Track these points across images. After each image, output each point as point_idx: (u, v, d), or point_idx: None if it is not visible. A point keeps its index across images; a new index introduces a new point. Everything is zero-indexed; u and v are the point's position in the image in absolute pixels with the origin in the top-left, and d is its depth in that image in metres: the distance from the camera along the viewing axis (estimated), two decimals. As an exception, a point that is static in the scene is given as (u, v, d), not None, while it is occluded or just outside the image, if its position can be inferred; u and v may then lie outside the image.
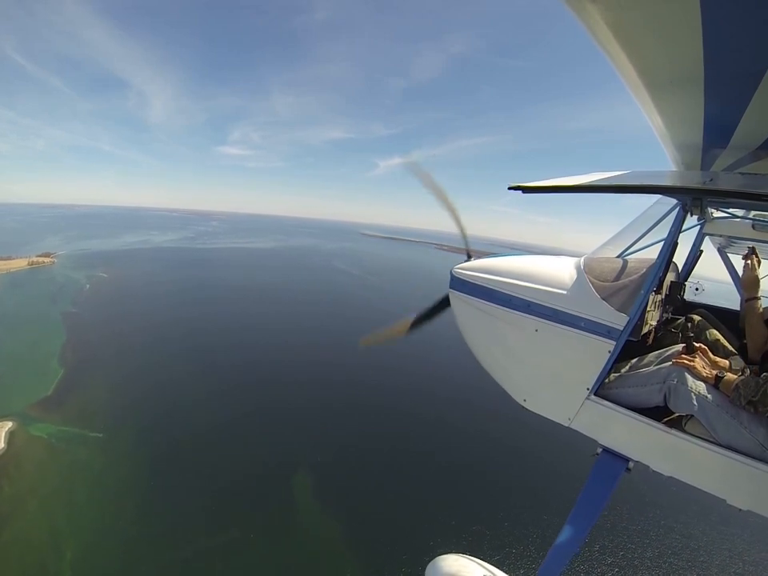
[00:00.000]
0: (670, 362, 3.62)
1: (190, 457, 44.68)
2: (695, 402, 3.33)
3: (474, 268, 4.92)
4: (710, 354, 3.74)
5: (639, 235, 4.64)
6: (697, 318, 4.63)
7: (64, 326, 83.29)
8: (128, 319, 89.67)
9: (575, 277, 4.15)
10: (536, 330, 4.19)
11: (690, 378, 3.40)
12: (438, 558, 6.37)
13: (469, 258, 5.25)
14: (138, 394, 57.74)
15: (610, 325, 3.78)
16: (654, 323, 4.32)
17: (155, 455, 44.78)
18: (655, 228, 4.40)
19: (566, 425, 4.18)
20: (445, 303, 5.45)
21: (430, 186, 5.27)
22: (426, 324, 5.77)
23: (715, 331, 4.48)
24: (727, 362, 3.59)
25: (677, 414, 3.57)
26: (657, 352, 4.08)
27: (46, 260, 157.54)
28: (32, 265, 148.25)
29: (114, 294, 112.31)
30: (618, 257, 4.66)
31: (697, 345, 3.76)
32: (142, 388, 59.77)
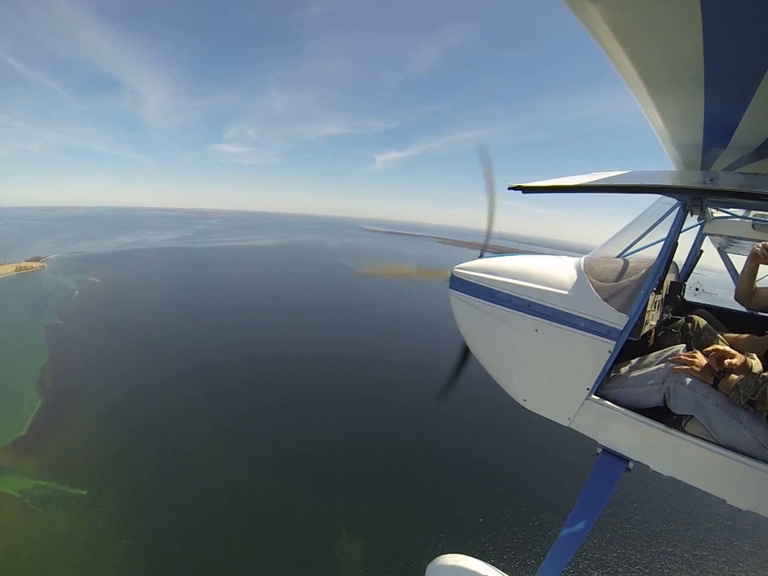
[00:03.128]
0: (670, 363, 3.62)
1: (194, 517, 36.16)
2: (694, 402, 3.34)
3: (474, 268, 4.93)
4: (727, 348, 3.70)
5: (639, 235, 4.65)
6: (697, 318, 4.62)
7: (46, 342, 74.03)
8: (118, 331, 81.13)
9: (575, 277, 4.17)
10: (536, 330, 4.21)
11: (689, 378, 3.40)
12: (438, 558, 6.38)
13: (481, 256, 5.26)
14: (127, 430, 48.72)
15: (609, 325, 3.78)
16: (654, 323, 4.33)
17: (151, 519, 35.88)
18: (655, 228, 4.42)
19: (566, 425, 4.19)
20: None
21: (488, 176, 5.18)
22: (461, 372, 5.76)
23: (716, 331, 4.48)
24: (743, 357, 3.38)
25: (677, 414, 3.57)
26: (657, 352, 4.09)
27: (35, 265, 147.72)
28: (20, 270, 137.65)
29: (104, 301, 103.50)
30: (617, 257, 4.67)
31: (713, 348, 3.67)
32: (133, 421, 50.71)
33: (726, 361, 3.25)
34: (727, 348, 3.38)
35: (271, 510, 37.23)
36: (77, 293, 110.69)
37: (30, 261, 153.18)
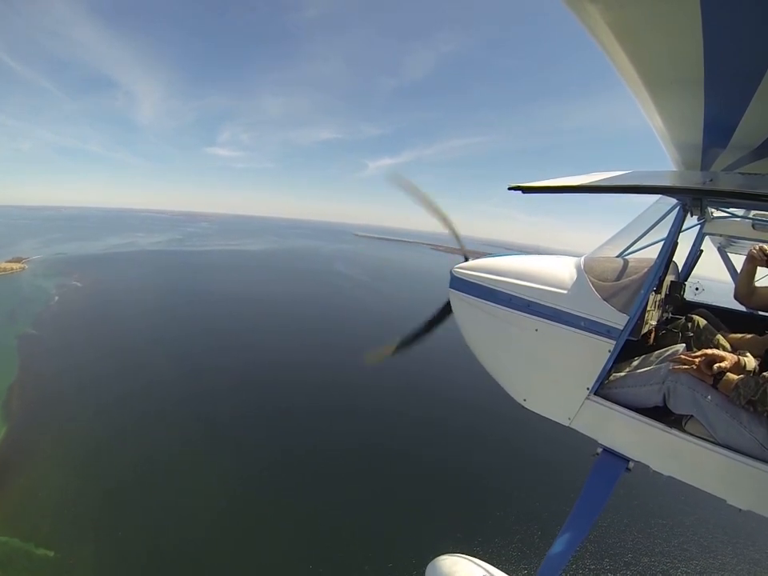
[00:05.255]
0: (669, 362, 3.61)
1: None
2: (694, 402, 3.33)
3: (473, 267, 4.94)
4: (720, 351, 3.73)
5: (639, 235, 4.64)
6: (697, 317, 4.64)
7: (17, 356, 65.07)
8: (99, 340, 73.65)
9: (575, 276, 4.17)
10: (536, 330, 4.21)
11: (688, 378, 3.39)
12: (437, 558, 6.37)
13: (466, 259, 5.29)
14: (105, 458, 41.68)
15: (609, 324, 3.79)
16: (654, 323, 4.34)
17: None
18: (655, 228, 4.41)
19: (566, 424, 4.19)
20: (443, 314, 5.59)
21: (415, 194, 5.44)
22: (426, 336, 5.96)
23: (716, 331, 4.49)
24: (736, 357, 3.40)
25: (677, 414, 3.57)
26: (657, 352, 4.08)
27: (15, 266, 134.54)
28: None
29: (85, 307, 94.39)
30: (617, 256, 4.67)
31: (712, 351, 3.67)
32: (113, 443, 43.79)
33: (715, 365, 3.25)
34: (716, 351, 3.37)
35: (268, 512, 37.03)
36: (56, 298, 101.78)
37: (10, 262, 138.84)
